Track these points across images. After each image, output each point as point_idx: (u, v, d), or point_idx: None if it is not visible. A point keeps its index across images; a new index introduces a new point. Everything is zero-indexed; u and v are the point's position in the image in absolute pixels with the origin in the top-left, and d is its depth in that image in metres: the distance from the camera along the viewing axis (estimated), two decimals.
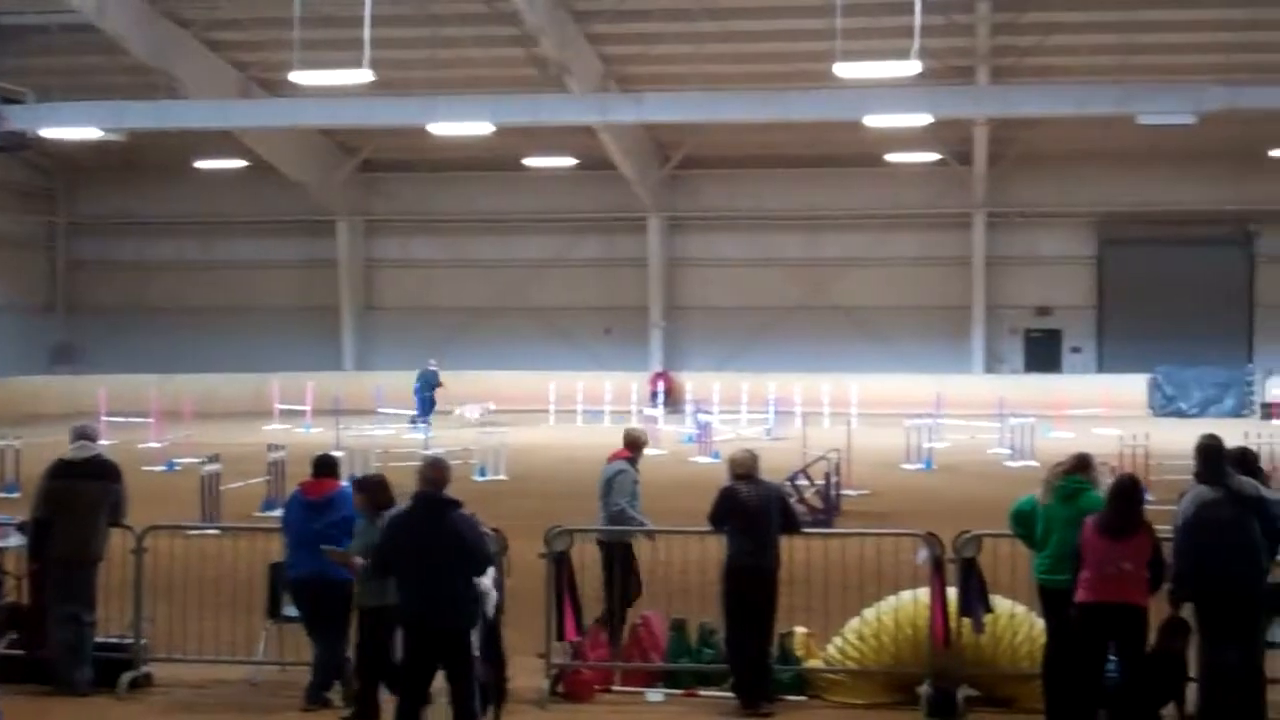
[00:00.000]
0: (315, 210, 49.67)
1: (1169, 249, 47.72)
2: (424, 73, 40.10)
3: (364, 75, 31.96)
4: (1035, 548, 11.55)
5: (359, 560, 11.24)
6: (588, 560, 13.16)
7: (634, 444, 14.48)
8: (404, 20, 36.85)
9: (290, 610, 12.67)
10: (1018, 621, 12.10)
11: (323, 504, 12.24)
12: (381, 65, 33.22)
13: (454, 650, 10.49)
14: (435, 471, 10.66)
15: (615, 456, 14.29)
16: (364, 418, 35.68)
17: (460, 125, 37.44)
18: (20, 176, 49.75)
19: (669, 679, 12.73)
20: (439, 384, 40.81)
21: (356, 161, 48.62)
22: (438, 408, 40.32)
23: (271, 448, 23.67)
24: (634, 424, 14.53)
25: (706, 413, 36.36)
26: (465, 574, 10.54)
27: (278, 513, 17.39)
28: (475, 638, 10.83)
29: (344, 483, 12.91)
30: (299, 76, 33.70)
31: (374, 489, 11.59)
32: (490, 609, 11.29)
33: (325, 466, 12.62)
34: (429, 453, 11.61)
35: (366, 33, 30.76)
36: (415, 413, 39.20)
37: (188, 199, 50.57)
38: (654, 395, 43.03)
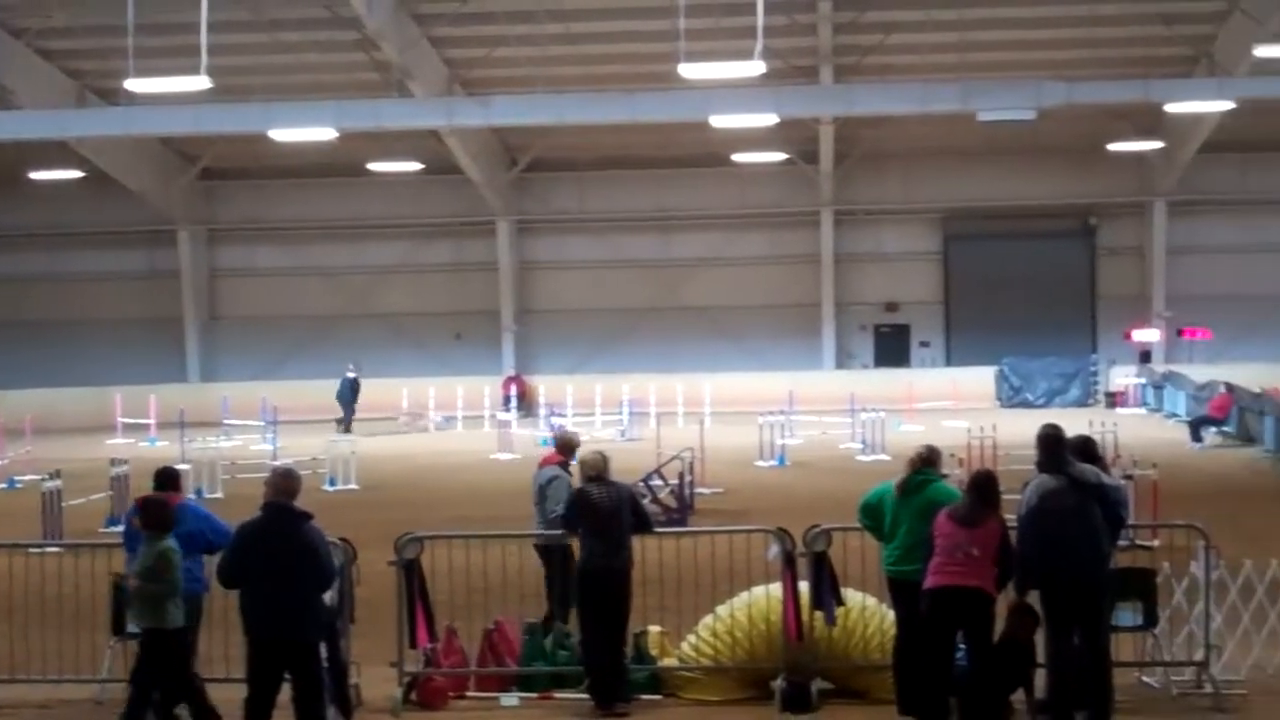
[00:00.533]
0: (156, 220, 48.71)
1: (1012, 243, 48.62)
2: (264, 78, 39.52)
3: (201, 82, 31.31)
4: (884, 539, 11.68)
5: (134, 582, 11.04)
6: (439, 567, 13.02)
7: (566, 447, 14.28)
8: (242, 26, 36.29)
9: (134, 627, 12.38)
10: (869, 614, 12.21)
11: None
12: (220, 72, 32.60)
13: (302, 662, 10.43)
14: (286, 482, 10.60)
15: (547, 461, 14.17)
16: (210, 430, 35.03)
17: (302, 131, 36.92)
18: None
19: (524, 683, 12.67)
20: (358, 389, 40.68)
21: (197, 170, 47.82)
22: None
23: (114, 462, 23.20)
24: (562, 427, 14.23)
25: (560, 416, 36.29)
26: (315, 587, 10.56)
27: (120, 529, 17.03)
28: (321, 649, 10.79)
29: (190, 497, 12.66)
30: (135, 84, 32.90)
31: (152, 509, 11.35)
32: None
33: (167, 480, 12.33)
34: (279, 463, 11.40)
35: (203, 39, 30.18)
36: (342, 418, 39.26)
37: (24, 211, 49.20)
38: (507, 400, 42.84)
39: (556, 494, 13.53)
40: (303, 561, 10.38)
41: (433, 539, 13.15)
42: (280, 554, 10.31)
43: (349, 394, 40.49)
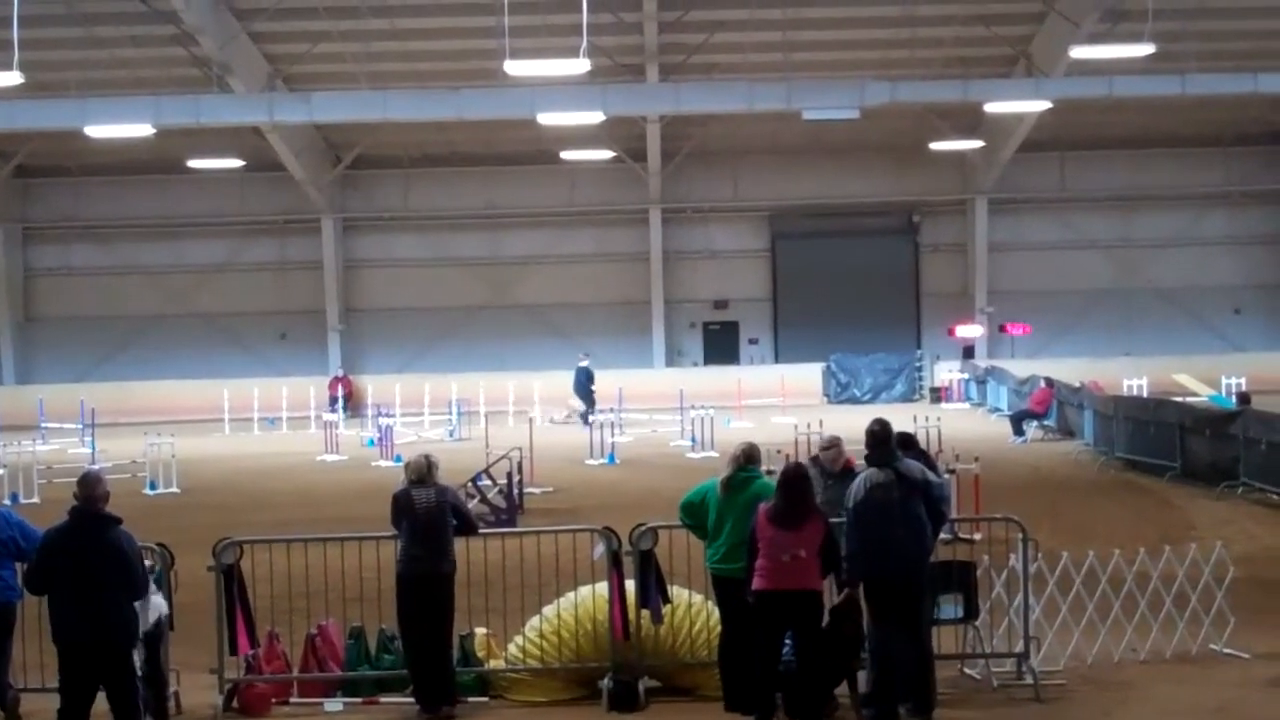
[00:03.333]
0: None
1: (839, 240, 49.25)
2: (79, 74, 38.41)
3: (13, 77, 30.45)
4: (708, 538, 11.68)
5: None
6: (260, 572, 12.75)
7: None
8: (55, 20, 35.31)
9: None
10: (695, 611, 12.23)
11: None
12: (32, 67, 31.70)
13: (115, 669, 10.25)
14: (93, 487, 10.35)
15: None
16: (26, 433, 34.03)
17: (119, 127, 36.08)
18: None
19: (348, 688, 12.49)
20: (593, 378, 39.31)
21: (10, 167, 46.42)
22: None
23: None
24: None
25: (388, 416, 35.90)
26: (126, 592, 10.34)
27: None
28: (137, 657, 10.54)
29: (4, 503, 12.29)
30: None
31: None
32: (154, 626, 11.02)
33: None
34: (89, 467, 11.09)
35: (15, 33, 29.32)
36: (584, 409, 37.70)
37: None
38: (334, 400, 42.28)
39: None
40: (111, 566, 10.20)
41: (253, 543, 12.88)
42: (88, 559, 10.12)
43: (586, 384, 38.96)
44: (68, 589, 10.10)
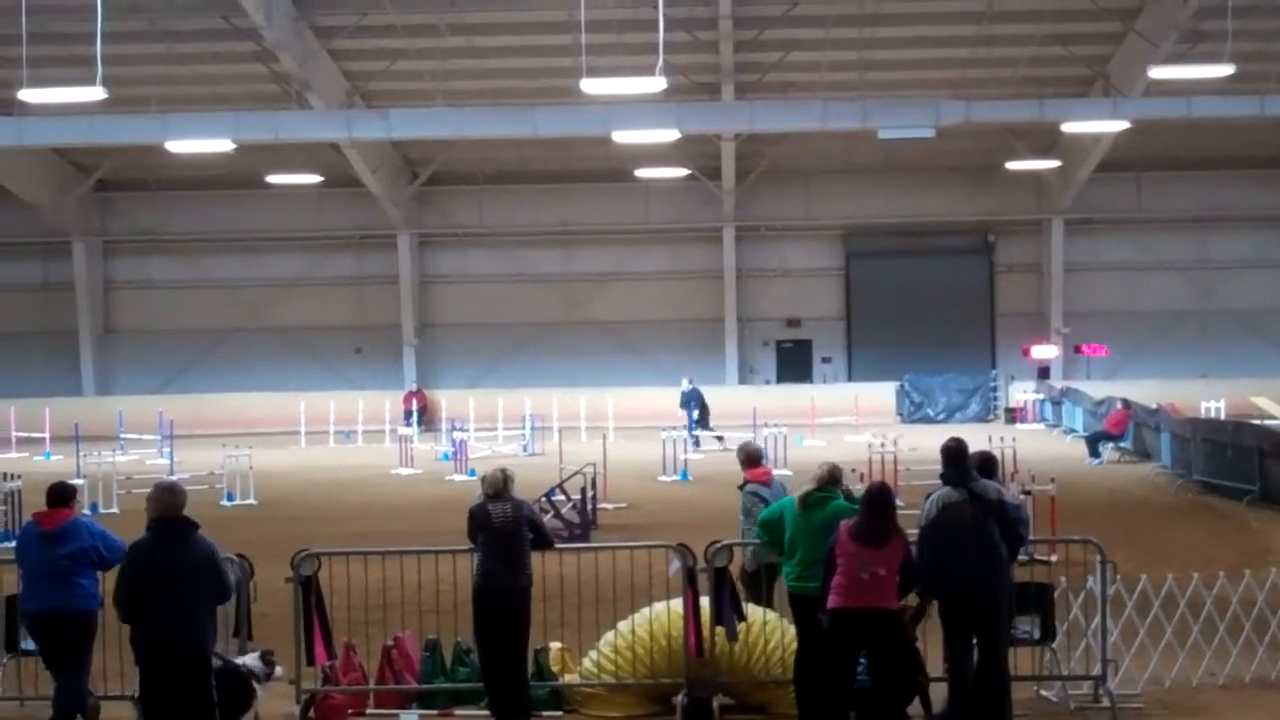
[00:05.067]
0: (50, 232, 47.94)
1: (913, 259, 49.10)
2: (160, 89, 38.93)
3: (96, 93, 30.91)
4: (784, 555, 11.67)
5: None
6: (338, 584, 12.85)
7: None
8: (138, 36, 35.82)
9: (28, 644, 12.16)
10: (770, 629, 12.19)
11: (58, 534, 11.71)
12: (115, 83, 32.17)
13: (198, 681, 10.17)
14: (171, 497, 10.36)
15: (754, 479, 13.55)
16: (105, 444, 34.46)
17: (199, 142, 36.52)
18: None
19: (424, 700, 12.55)
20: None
21: (92, 181, 47.09)
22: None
23: (7, 476, 22.77)
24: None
25: (462, 430, 36.07)
26: (214, 599, 10.35)
27: (12, 544, 16.69)
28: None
29: (84, 512, 12.47)
30: (28, 94, 32.43)
31: None
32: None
33: (60, 495, 12.08)
34: (162, 479, 11.17)
35: (99, 49, 29.76)
36: (694, 431, 36.90)
37: None
38: (408, 414, 42.56)
39: (751, 514, 13.11)
40: (200, 573, 10.15)
41: (330, 555, 12.99)
42: (178, 568, 10.06)
43: (697, 402, 38.55)
44: (158, 603, 9.99)
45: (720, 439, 35.70)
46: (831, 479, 11.63)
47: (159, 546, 10.14)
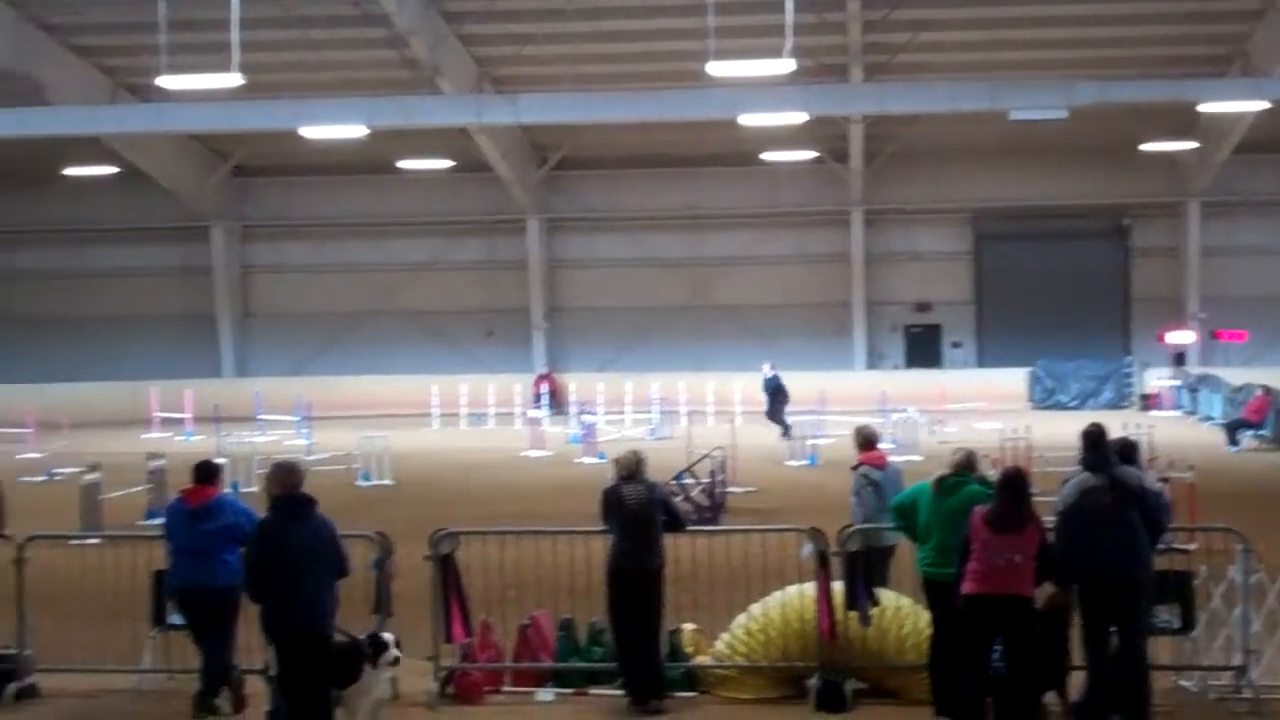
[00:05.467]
0: (189, 216, 48.96)
1: (1045, 243, 48.48)
2: (294, 75, 39.66)
3: (233, 79, 31.47)
4: (918, 540, 11.63)
5: None
6: (474, 563, 13.05)
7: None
8: (273, 23, 36.37)
9: (175, 618, 12.50)
10: (903, 614, 12.16)
11: (203, 511, 12.07)
12: (251, 68, 32.71)
13: (322, 655, 10.25)
14: (292, 475, 10.43)
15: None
16: (244, 424, 35.14)
17: (333, 128, 37.01)
18: None
19: (559, 679, 12.70)
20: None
21: (229, 166, 47.97)
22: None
23: (151, 456, 23.34)
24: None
25: (591, 414, 36.31)
26: (335, 575, 10.43)
27: (159, 521, 17.13)
28: None
29: (227, 490, 12.80)
30: (167, 81, 33.10)
31: None
32: None
33: (206, 473, 12.42)
34: (279, 458, 11.32)
35: (235, 36, 30.30)
36: (780, 423, 36.08)
37: (57, 207, 49.57)
38: (538, 397, 42.89)
39: (860, 495, 13.30)
40: (322, 548, 10.23)
41: (467, 534, 13.18)
42: (302, 546, 10.10)
43: (774, 390, 37.76)
44: (284, 579, 10.03)
45: (786, 432, 34.98)
46: (967, 464, 11.55)
47: (283, 524, 10.21)
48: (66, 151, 43.82)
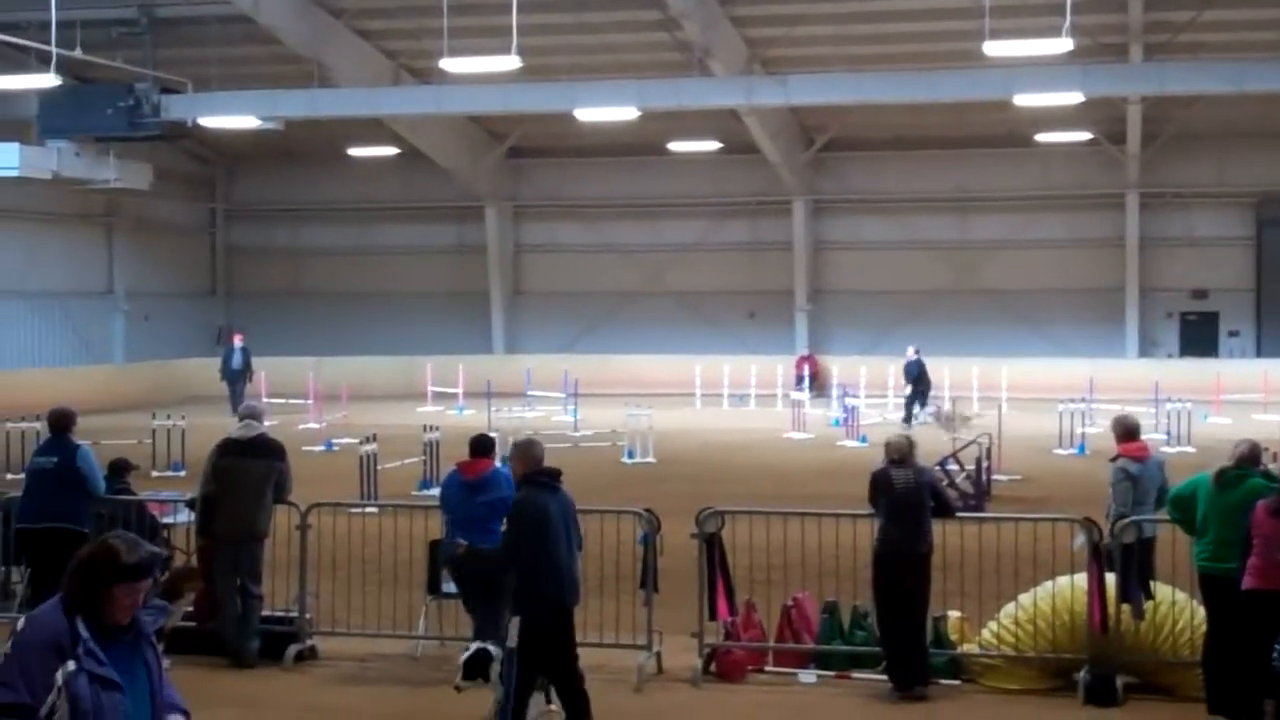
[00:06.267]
0: (465, 196, 50.19)
1: None
2: (569, 58, 40.33)
3: (512, 62, 32.23)
4: (1195, 534, 11.37)
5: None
6: (738, 541, 13.21)
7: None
8: (550, 6, 37.01)
9: (449, 587, 12.92)
10: (1178, 609, 11.92)
11: (479, 483, 12.48)
12: (528, 52, 33.45)
13: (571, 628, 10.32)
14: (537, 449, 10.50)
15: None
16: (514, 400, 35.98)
17: (605, 110, 37.61)
18: (182, 165, 50.90)
19: (821, 661, 12.77)
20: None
21: (504, 148, 49.03)
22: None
23: (427, 428, 24.10)
24: None
25: (853, 396, 36.18)
26: (577, 546, 10.48)
27: (434, 491, 17.74)
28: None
29: (498, 463, 13.15)
30: (448, 64, 34.08)
31: None
32: None
33: (482, 446, 12.85)
34: (521, 435, 11.50)
35: (514, 19, 31.01)
36: (915, 407, 35.85)
37: (342, 186, 51.40)
38: (800, 379, 42.90)
39: (1116, 488, 13.01)
40: (571, 523, 10.33)
41: (734, 513, 13.34)
42: (556, 519, 10.17)
43: (916, 374, 36.88)
44: (547, 551, 10.09)
45: (908, 418, 34.19)
46: (1250, 457, 11.24)
47: (541, 498, 10.20)
48: (351, 133, 45.42)
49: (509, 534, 10.30)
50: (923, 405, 35.70)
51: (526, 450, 10.44)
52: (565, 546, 10.16)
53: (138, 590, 5.89)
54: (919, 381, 36.26)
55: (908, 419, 34.63)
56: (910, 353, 36.76)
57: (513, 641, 10.02)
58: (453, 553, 12.28)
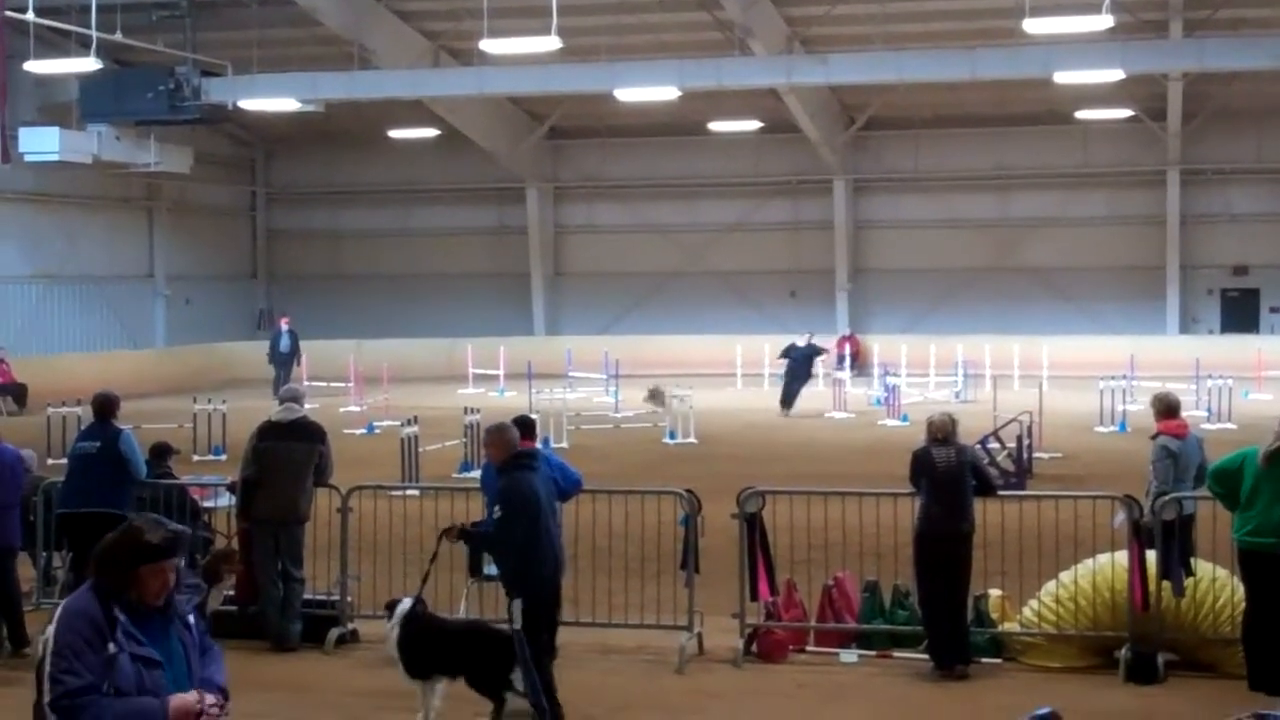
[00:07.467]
0: (505, 178, 50.27)
1: None
2: (609, 39, 40.25)
3: (552, 43, 32.29)
4: (1238, 509, 11.32)
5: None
6: (779, 522, 13.26)
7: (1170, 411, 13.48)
8: None
9: (491, 570, 12.95)
10: (1219, 585, 11.93)
11: None
12: (568, 32, 33.47)
13: (560, 605, 10.98)
14: (508, 433, 10.70)
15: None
16: (555, 381, 36.05)
17: (645, 90, 37.60)
18: (223, 148, 51.17)
19: (862, 640, 12.81)
20: None
21: (544, 129, 49.07)
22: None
23: (468, 410, 24.17)
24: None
25: (894, 376, 36.14)
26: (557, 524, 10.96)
27: (475, 474, 17.84)
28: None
29: (539, 444, 13.19)
30: (488, 45, 34.15)
31: None
32: None
33: (523, 428, 12.86)
34: (492, 423, 11.49)
35: (554, 0, 31.04)
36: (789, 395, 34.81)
37: (382, 168, 51.55)
38: (841, 358, 42.82)
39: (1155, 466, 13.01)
40: (554, 499, 10.84)
41: (774, 493, 13.38)
42: (546, 500, 10.52)
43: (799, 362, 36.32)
44: (543, 530, 10.38)
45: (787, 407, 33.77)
46: None
47: (526, 480, 10.42)
48: (391, 114, 45.50)
49: (504, 519, 10.36)
50: (795, 390, 34.68)
51: (503, 435, 10.61)
52: (556, 525, 10.59)
53: (165, 570, 5.95)
54: (806, 365, 35.34)
55: (788, 403, 34.14)
56: (803, 340, 35.95)
57: (518, 623, 10.23)
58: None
